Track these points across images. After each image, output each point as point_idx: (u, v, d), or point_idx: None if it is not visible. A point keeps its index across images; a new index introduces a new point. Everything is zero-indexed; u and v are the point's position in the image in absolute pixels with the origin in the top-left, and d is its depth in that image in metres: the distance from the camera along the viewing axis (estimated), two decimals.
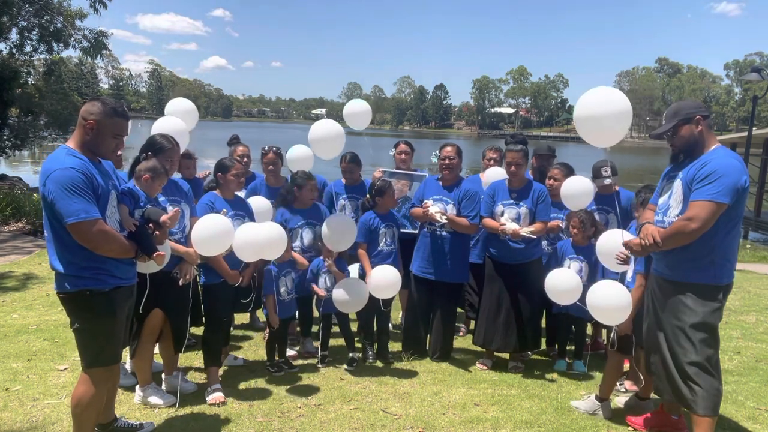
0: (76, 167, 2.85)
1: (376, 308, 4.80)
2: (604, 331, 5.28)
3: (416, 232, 5.31)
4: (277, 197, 5.01)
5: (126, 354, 4.02)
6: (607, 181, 4.88)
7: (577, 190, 4.77)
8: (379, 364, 4.87)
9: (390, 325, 5.94)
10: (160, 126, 4.50)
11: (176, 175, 4.28)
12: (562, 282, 4.34)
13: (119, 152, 3.52)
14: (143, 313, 3.65)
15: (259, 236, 3.93)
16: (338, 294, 4.53)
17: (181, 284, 3.79)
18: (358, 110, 5.17)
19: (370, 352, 4.98)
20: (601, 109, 3.41)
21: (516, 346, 4.83)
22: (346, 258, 4.99)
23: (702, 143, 3.28)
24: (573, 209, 4.84)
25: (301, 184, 4.78)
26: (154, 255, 3.16)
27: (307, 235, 4.90)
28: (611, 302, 3.72)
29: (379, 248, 4.85)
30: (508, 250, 4.75)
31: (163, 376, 4.18)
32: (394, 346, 5.25)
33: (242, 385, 4.33)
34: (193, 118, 5.07)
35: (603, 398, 3.98)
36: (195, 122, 5.10)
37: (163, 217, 3.29)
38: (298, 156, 5.22)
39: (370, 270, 4.67)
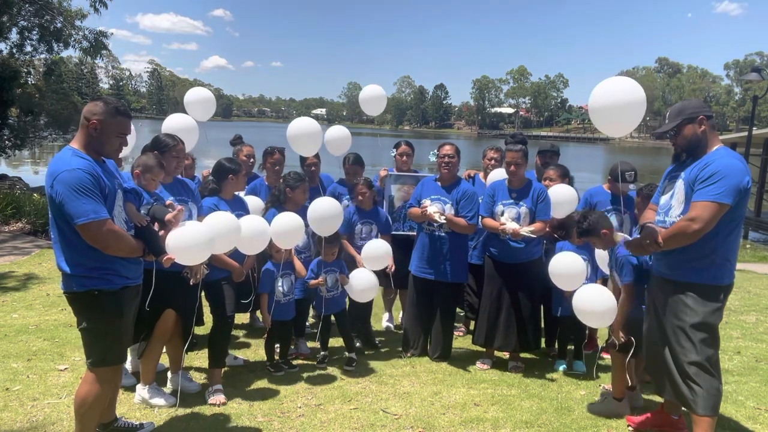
0: (83, 168, 2.85)
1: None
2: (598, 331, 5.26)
3: (409, 233, 5.36)
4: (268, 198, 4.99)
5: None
6: (632, 187, 4.71)
7: (561, 197, 4.80)
8: (378, 364, 4.86)
9: (390, 325, 5.96)
10: (169, 125, 4.58)
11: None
12: (566, 266, 4.27)
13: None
14: (155, 313, 3.62)
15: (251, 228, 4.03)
16: (354, 283, 4.72)
17: (192, 284, 3.76)
18: (372, 95, 5.20)
19: (357, 343, 5.10)
20: (616, 99, 3.51)
21: (517, 345, 4.83)
22: (343, 258, 4.99)
23: (705, 143, 3.27)
24: (557, 217, 4.85)
25: (293, 185, 4.68)
26: (164, 258, 3.14)
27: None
28: (595, 306, 3.80)
29: (354, 242, 5.12)
30: (509, 249, 4.75)
31: (168, 374, 4.18)
32: (394, 347, 5.26)
33: (242, 385, 4.33)
34: (210, 109, 5.46)
35: (618, 397, 3.97)
36: (212, 112, 5.49)
37: (168, 216, 3.28)
38: (334, 137, 5.42)
39: (357, 255, 4.98)
